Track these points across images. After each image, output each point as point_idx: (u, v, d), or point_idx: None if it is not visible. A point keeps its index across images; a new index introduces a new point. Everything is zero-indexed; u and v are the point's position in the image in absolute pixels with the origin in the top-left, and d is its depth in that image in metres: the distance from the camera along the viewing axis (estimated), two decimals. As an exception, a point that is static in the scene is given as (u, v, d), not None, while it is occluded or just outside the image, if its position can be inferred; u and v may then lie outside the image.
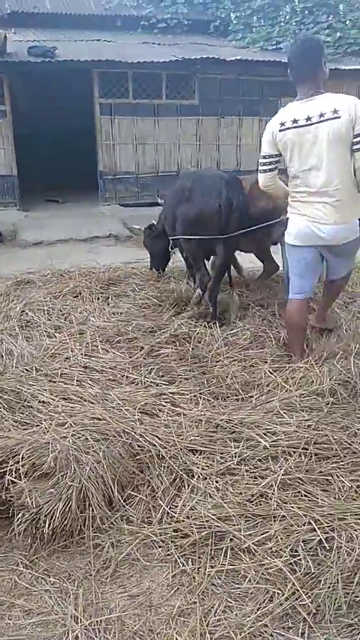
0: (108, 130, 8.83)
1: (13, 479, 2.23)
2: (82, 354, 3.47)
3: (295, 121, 3.02)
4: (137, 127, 8.94)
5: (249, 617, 1.89)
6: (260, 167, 3.33)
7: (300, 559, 2.04)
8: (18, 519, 2.18)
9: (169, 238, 4.49)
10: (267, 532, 2.17)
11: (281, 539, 2.13)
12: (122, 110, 8.80)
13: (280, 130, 3.09)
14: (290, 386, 3.15)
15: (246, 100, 9.35)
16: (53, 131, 10.76)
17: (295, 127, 3.03)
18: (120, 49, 9.03)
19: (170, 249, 4.68)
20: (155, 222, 4.89)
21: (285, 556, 2.06)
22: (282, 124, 3.08)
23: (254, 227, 3.94)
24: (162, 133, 9.06)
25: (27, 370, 3.25)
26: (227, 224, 3.89)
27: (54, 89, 10.28)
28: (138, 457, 2.55)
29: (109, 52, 8.60)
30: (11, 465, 2.27)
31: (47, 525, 2.15)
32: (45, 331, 3.81)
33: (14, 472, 2.25)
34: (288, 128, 3.05)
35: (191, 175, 4.54)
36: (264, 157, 3.28)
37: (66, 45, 8.80)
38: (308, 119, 2.98)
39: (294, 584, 1.96)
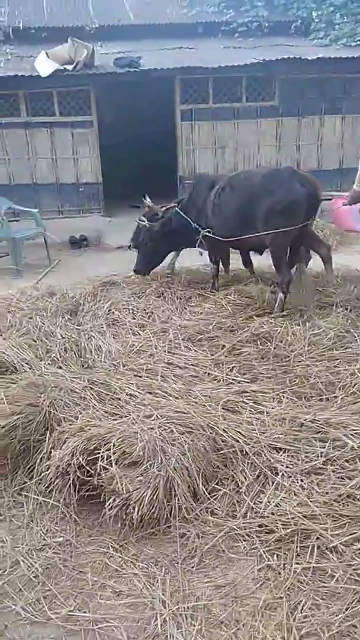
0: (188, 135, 8.97)
1: (105, 465, 2.34)
2: (165, 351, 3.57)
3: None
4: (217, 131, 9.00)
5: (336, 616, 1.86)
6: None
7: (391, 562, 1.98)
8: (109, 504, 2.29)
9: (226, 240, 4.45)
10: (356, 532, 2.12)
11: (371, 540, 2.08)
12: (203, 115, 8.90)
13: None
14: (378, 388, 3.05)
15: (328, 99, 9.12)
16: (136, 139, 11.08)
17: None
18: (201, 55, 9.15)
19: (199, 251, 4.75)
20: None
21: (376, 558, 2.00)
22: None
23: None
24: (241, 135, 9.05)
25: (114, 365, 3.39)
26: (310, 210, 4.15)
27: (137, 99, 10.60)
28: (222, 451, 2.58)
29: (190, 59, 8.73)
30: (103, 452, 2.39)
31: (135, 512, 2.23)
32: (131, 329, 3.95)
33: (105, 459, 2.36)
34: None
35: (250, 174, 4.59)
36: None
37: (150, 54, 9.06)
38: None
39: (385, 586, 1.91)
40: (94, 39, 9.24)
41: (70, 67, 8.15)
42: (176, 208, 4.75)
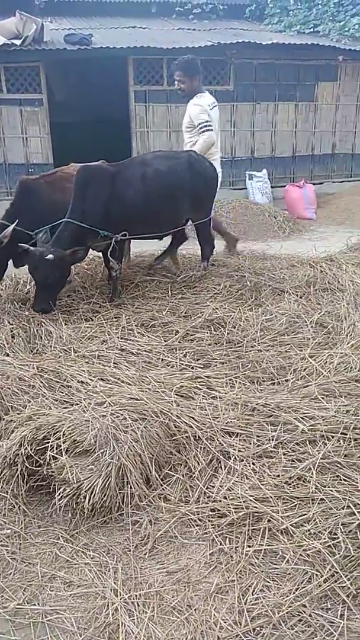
0: (142, 117, 8.80)
1: (54, 455, 2.28)
2: (118, 337, 3.50)
3: (213, 103, 5.00)
4: (172, 114, 8.88)
5: (287, 597, 1.89)
6: (209, 129, 4.81)
7: (339, 542, 2.02)
8: (59, 494, 2.23)
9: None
10: (306, 514, 2.16)
11: (320, 521, 2.12)
12: (157, 97, 8.74)
13: (211, 108, 4.92)
14: (327, 372, 3.11)
15: (282, 86, 9.16)
16: (88, 119, 10.79)
17: (215, 107, 5.02)
18: (155, 35, 8.98)
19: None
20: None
21: (324, 538, 2.04)
22: (211, 104, 4.96)
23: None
24: (196, 120, 8.98)
25: (65, 351, 3.30)
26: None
27: (89, 78, 10.30)
28: (175, 437, 2.57)
29: (144, 39, 8.54)
30: (52, 442, 2.32)
31: (87, 501, 2.19)
32: (83, 315, 3.85)
33: (55, 448, 2.30)
34: (212, 107, 4.96)
35: (181, 156, 4.47)
36: (210, 122, 4.83)
37: (102, 32, 8.80)
38: (214, 103, 5.02)
39: (333, 565, 1.95)
40: (43, 14, 8.90)
41: (18, 42, 7.80)
42: (67, 219, 3.84)
